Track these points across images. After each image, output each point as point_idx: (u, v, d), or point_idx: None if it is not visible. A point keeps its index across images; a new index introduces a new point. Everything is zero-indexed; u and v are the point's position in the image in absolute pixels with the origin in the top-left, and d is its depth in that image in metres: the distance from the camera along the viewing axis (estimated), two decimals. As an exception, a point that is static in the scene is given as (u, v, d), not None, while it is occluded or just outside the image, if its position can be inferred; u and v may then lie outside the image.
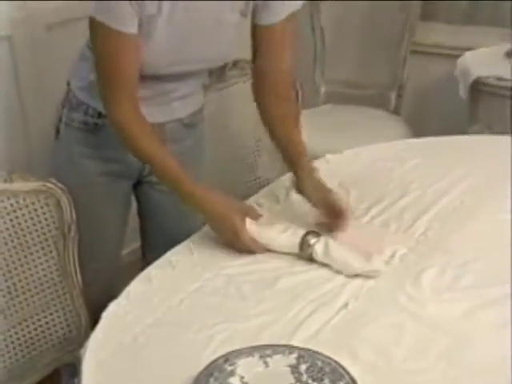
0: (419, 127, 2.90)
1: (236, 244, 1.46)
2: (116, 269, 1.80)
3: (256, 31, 1.59)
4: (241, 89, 1.96)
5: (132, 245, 1.99)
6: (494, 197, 1.66)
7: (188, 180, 1.48)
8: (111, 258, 1.79)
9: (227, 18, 1.53)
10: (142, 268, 1.46)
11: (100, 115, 1.59)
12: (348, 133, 2.79)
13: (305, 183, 1.57)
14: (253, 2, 1.54)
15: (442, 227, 1.54)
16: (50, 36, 2.20)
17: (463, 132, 2.31)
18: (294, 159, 1.60)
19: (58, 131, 1.68)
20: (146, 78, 1.51)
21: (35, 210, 1.49)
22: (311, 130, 2.58)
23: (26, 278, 1.50)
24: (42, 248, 1.51)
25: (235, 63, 1.97)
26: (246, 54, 1.68)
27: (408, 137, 2.76)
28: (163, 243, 1.54)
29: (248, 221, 1.46)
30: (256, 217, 1.49)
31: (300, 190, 1.59)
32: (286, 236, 1.46)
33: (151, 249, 1.78)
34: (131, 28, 1.43)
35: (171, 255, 1.48)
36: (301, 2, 1.59)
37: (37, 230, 1.50)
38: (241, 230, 1.44)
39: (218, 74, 1.87)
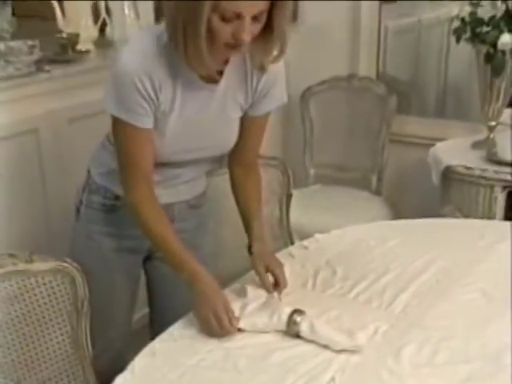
0: (398, 206, 2.91)
1: (215, 329, 1.39)
2: (126, 338, 1.75)
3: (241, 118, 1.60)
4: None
5: (141, 312, 1.94)
6: (464, 277, 1.63)
7: (186, 257, 1.46)
8: (122, 328, 1.74)
9: (231, 114, 1.54)
10: (151, 336, 1.42)
11: (117, 198, 1.59)
12: (335, 212, 2.79)
13: (254, 248, 1.60)
14: (251, 100, 1.55)
15: (420, 305, 1.51)
16: (72, 128, 2.23)
17: (436, 211, 2.31)
18: (249, 225, 1.65)
19: (78, 212, 1.68)
20: (155, 164, 1.51)
21: (52, 287, 1.46)
22: (301, 208, 2.62)
23: (42, 351, 1.46)
24: (58, 323, 1.48)
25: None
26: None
27: (388, 215, 2.77)
28: (170, 315, 1.50)
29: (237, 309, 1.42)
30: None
31: (250, 254, 1.61)
32: (273, 321, 1.40)
33: (159, 320, 1.73)
34: (148, 124, 1.45)
35: (174, 329, 1.44)
36: (286, 99, 1.60)
37: (53, 306, 1.47)
38: (223, 317, 1.39)
39: (219, 162, 1.89)
